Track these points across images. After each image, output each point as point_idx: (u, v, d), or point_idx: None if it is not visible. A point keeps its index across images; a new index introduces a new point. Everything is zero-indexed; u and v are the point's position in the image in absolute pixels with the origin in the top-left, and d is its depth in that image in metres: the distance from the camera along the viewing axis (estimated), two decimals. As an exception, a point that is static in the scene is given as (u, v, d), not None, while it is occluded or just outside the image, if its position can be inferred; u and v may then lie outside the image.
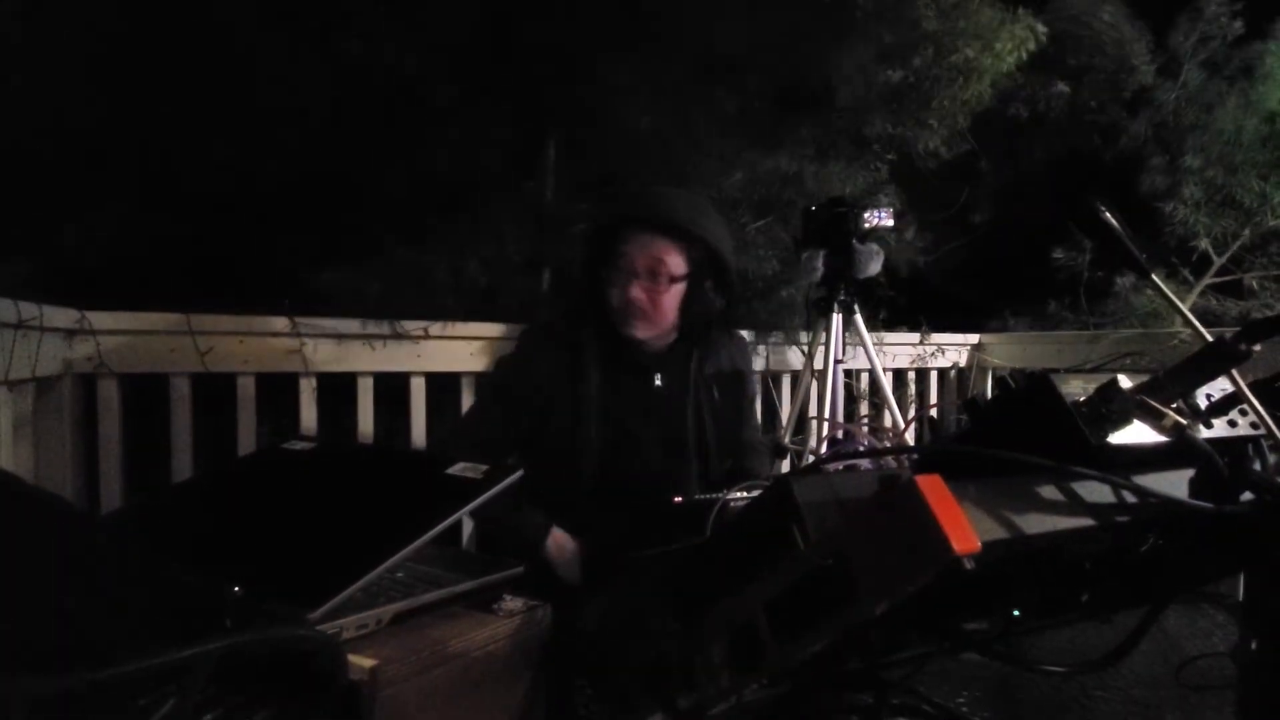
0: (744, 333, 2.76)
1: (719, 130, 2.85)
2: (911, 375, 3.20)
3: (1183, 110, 3.77)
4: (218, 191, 2.46)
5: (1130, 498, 0.51)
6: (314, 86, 2.40)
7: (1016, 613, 0.57)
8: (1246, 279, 3.71)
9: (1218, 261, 3.72)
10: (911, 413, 3.07)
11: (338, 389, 2.18)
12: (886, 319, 3.50)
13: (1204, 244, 3.63)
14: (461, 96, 2.57)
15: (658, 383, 1.44)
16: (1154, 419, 0.53)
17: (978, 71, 3.20)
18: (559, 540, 1.31)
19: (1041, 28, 3.29)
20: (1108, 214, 0.59)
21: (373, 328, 2.13)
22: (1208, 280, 3.77)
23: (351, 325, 2.10)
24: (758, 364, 2.82)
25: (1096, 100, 4.02)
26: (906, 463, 0.63)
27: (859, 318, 2.43)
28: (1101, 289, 3.79)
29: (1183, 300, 3.69)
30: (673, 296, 1.35)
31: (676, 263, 1.34)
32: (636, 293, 1.33)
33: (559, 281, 2.80)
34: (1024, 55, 3.28)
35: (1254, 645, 0.58)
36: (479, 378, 2.28)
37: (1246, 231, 3.61)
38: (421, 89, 2.53)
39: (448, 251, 2.52)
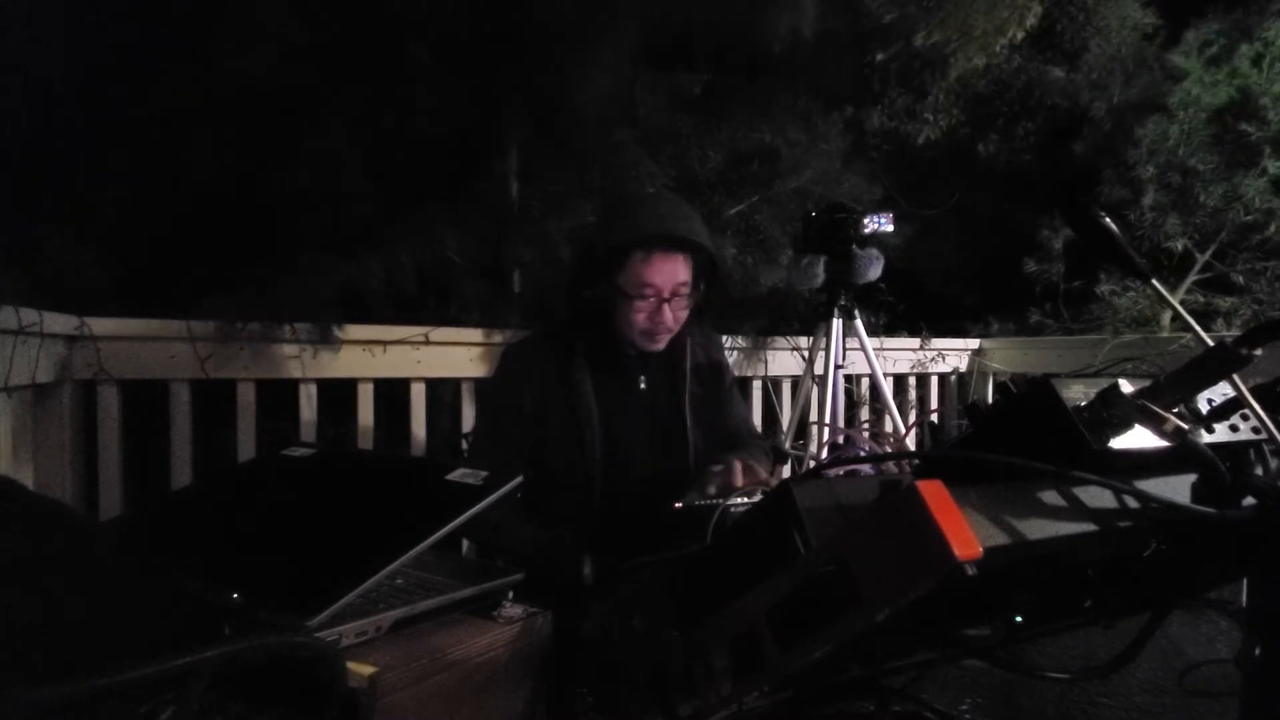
0: (741, 337, 2.77)
1: (684, 111, 2.82)
2: (912, 380, 3.21)
3: (1122, 121, 3.80)
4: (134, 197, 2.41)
5: (1132, 503, 0.51)
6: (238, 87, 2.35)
7: (1019, 619, 0.57)
8: (1233, 274, 3.73)
9: (1201, 259, 3.74)
10: (912, 418, 3.07)
11: (338, 395, 2.18)
12: (886, 324, 3.50)
13: (1180, 244, 3.65)
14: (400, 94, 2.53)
15: (643, 385, 1.45)
16: (1155, 424, 0.53)
17: (963, 52, 3.16)
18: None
19: (1036, 7, 3.25)
20: (1106, 219, 0.59)
21: (368, 333, 2.13)
22: (1193, 277, 3.79)
23: (352, 331, 2.11)
24: (758, 369, 2.82)
25: (1091, 84, 4.00)
26: (908, 468, 0.63)
27: (859, 323, 2.43)
28: (1080, 296, 3.82)
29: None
30: (686, 308, 1.39)
31: (689, 277, 1.37)
32: (667, 316, 1.35)
33: (533, 287, 2.77)
34: (1019, 33, 3.24)
35: (1258, 651, 0.58)
36: (479, 384, 2.29)
37: (1224, 232, 3.63)
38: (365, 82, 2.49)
39: (394, 254, 2.48)
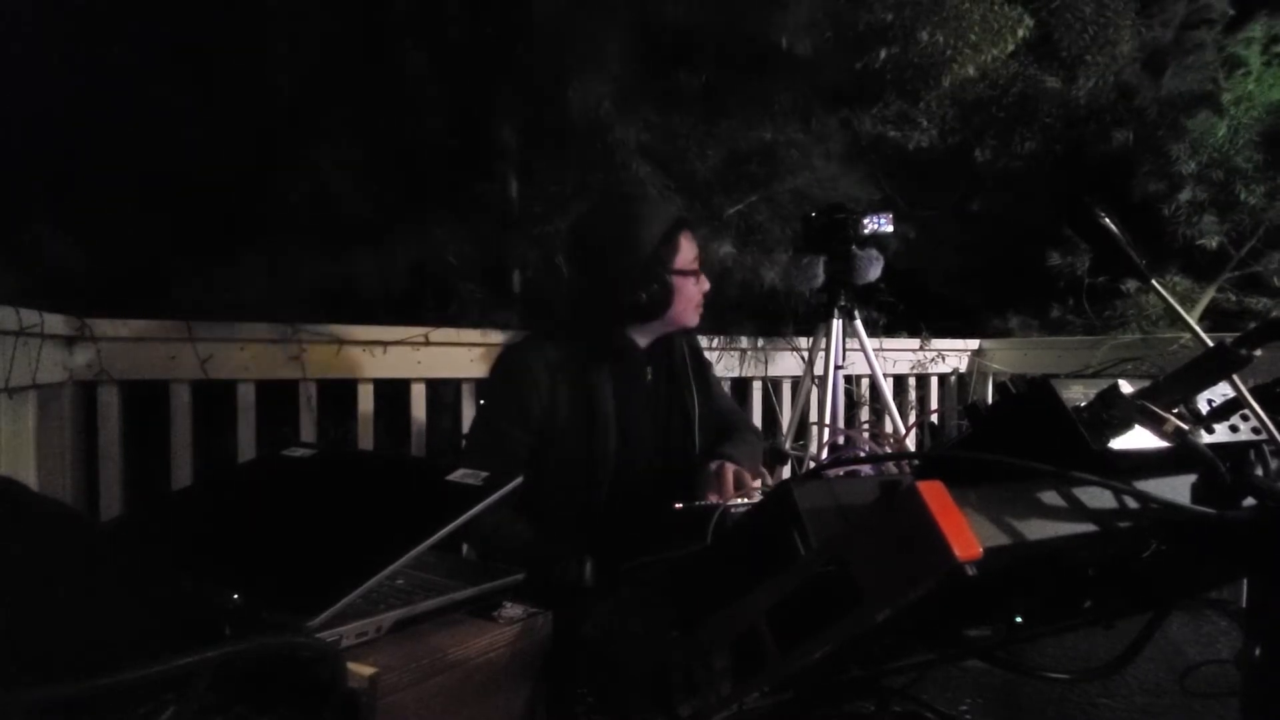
0: (741, 337, 2.78)
1: (683, 110, 2.82)
2: (912, 381, 3.21)
3: (1167, 113, 3.74)
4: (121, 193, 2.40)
5: (1132, 503, 0.51)
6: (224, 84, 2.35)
7: (1019, 619, 0.57)
8: (1267, 274, 3.68)
9: (1236, 256, 3.70)
10: (912, 418, 3.07)
11: (338, 396, 2.18)
12: (887, 324, 3.50)
13: (1215, 242, 3.60)
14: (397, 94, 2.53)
15: (649, 377, 1.47)
16: (1155, 424, 0.53)
17: (957, 60, 3.15)
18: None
19: (1028, 21, 3.24)
20: (1106, 219, 0.59)
21: (366, 333, 2.13)
22: (1225, 276, 3.75)
23: (352, 332, 2.11)
24: (758, 370, 2.82)
25: (1088, 95, 3.97)
26: (908, 468, 0.63)
27: (859, 323, 2.43)
28: (1106, 291, 3.78)
29: (1199, 298, 3.69)
30: None
31: None
32: (706, 285, 1.49)
33: (533, 287, 2.77)
34: (1010, 45, 3.24)
35: (1258, 652, 0.58)
36: (479, 384, 2.29)
37: (1262, 229, 3.59)
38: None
39: (390, 256, 2.47)
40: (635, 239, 1.41)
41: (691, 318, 1.49)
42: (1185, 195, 3.58)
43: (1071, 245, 3.87)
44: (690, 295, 1.46)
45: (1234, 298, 3.76)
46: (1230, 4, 3.77)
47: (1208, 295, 3.68)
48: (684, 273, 1.43)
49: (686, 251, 1.44)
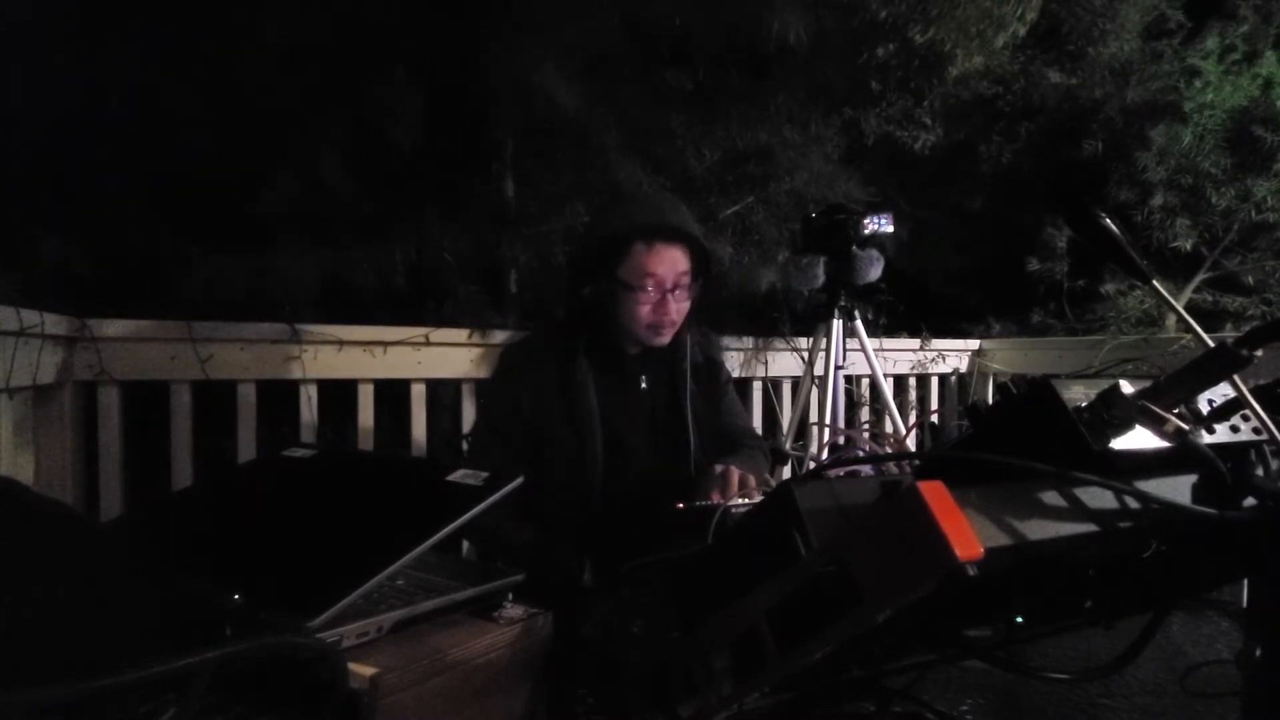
0: (743, 338, 2.77)
1: (679, 110, 2.81)
2: (912, 381, 3.21)
3: (1133, 123, 3.79)
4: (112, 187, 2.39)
5: (1133, 503, 0.51)
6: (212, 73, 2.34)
7: (1019, 619, 0.57)
8: (1242, 275, 3.73)
9: (1210, 258, 3.74)
10: (912, 418, 3.07)
11: (338, 396, 2.18)
12: (886, 325, 3.50)
13: (1189, 244, 3.66)
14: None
15: (644, 385, 1.45)
16: (1156, 424, 0.53)
17: (959, 51, 3.12)
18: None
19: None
20: (1107, 220, 0.59)
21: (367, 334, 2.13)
22: (1201, 277, 3.79)
23: (352, 332, 2.11)
24: (758, 370, 2.82)
25: (1088, 93, 3.99)
26: (908, 469, 0.63)
27: (859, 323, 2.43)
28: (1085, 295, 3.82)
29: (1176, 299, 3.73)
30: (688, 303, 1.40)
31: (689, 267, 1.38)
32: (671, 307, 1.36)
33: (529, 287, 2.77)
34: (1021, 27, 3.21)
35: (1258, 652, 0.58)
36: (479, 384, 2.29)
37: (1233, 231, 3.64)
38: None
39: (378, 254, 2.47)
40: (587, 238, 1.40)
41: (644, 336, 1.38)
42: (1157, 201, 3.64)
43: (1050, 250, 3.92)
44: (636, 314, 1.35)
45: (1210, 297, 3.80)
46: (1185, 15, 3.85)
47: (1185, 296, 3.72)
48: (628, 285, 1.33)
49: (640, 264, 1.33)
